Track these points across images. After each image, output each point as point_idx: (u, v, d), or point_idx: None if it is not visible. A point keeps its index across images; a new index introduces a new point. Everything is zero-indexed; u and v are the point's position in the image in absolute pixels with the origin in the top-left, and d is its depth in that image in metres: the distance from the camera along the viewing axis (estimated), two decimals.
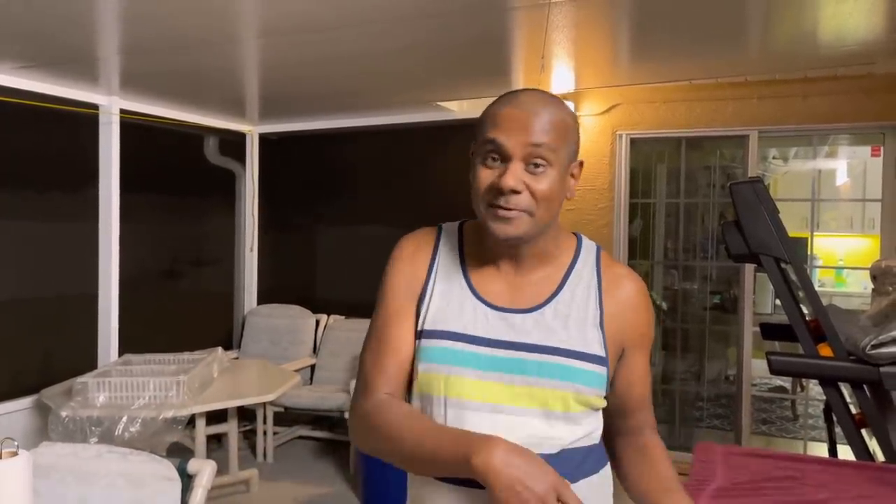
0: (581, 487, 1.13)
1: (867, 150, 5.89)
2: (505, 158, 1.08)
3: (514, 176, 1.06)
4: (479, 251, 1.21)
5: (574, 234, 1.25)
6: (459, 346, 1.13)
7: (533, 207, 1.08)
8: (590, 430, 1.16)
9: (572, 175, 1.15)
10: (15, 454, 1.05)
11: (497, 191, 1.07)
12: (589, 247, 1.23)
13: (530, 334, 1.13)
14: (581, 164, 1.17)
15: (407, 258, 1.22)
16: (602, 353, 1.14)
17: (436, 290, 1.18)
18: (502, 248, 1.17)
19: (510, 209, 1.07)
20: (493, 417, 1.10)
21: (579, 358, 1.12)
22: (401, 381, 1.18)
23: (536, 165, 1.07)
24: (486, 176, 1.10)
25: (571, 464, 1.13)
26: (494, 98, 1.18)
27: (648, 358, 1.24)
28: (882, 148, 4.11)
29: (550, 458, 1.09)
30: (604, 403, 1.17)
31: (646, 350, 1.23)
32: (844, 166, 6.59)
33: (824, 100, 3.93)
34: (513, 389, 1.11)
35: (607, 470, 1.22)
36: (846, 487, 1.80)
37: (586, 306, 1.16)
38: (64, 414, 3.09)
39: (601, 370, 1.13)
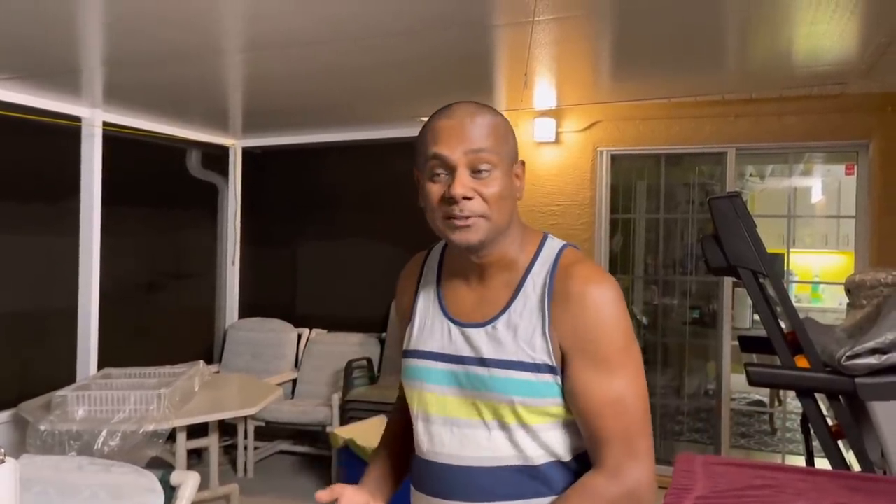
0: None
1: (841, 168, 6.01)
2: (450, 169, 1.10)
3: (463, 183, 1.08)
4: (452, 267, 1.25)
5: (543, 233, 1.22)
6: (425, 363, 1.21)
7: (487, 211, 1.10)
8: (556, 443, 1.14)
9: (516, 175, 1.17)
10: (2, 461, 1.05)
11: (449, 200, 1.09)
12: (551, 247, 1.18)
13: (481, 349, 1.15)
14: (523, 163, 1.18)
15: (399, 291, 1.33)
16: (549, 360, 1.10)
17: (417, 310, 1.26)
18: (468, 260, 1.18)
19: (466, 216, 1.09)
20: (452, 430, 1.16)
21: (524, 369, 1.10)
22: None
23: (481, 171, 1.09)
24: (435, 190, 1.11)
25: (545, 477, 1.13)
26: None
27: (605, 374, 1.08)
28: (855, 166, 4.21)
29: (511, 470, 1.13)
30: (561, 412, 1.13)
31: (591, 360, 1.08)
32: (819, 184, 6.71)
33: (799, 118, 4.02)
34: (467, 403, 1.16)
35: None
36: (823, 495, 1.83)
37: (533, 315, 1.13)
38: (42, 428, 3.05)
39: (549, 378, 1.10)
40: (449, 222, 1.10)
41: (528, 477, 1.13)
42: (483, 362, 1.13)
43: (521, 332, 1.12)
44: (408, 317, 1.27)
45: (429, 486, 1.18)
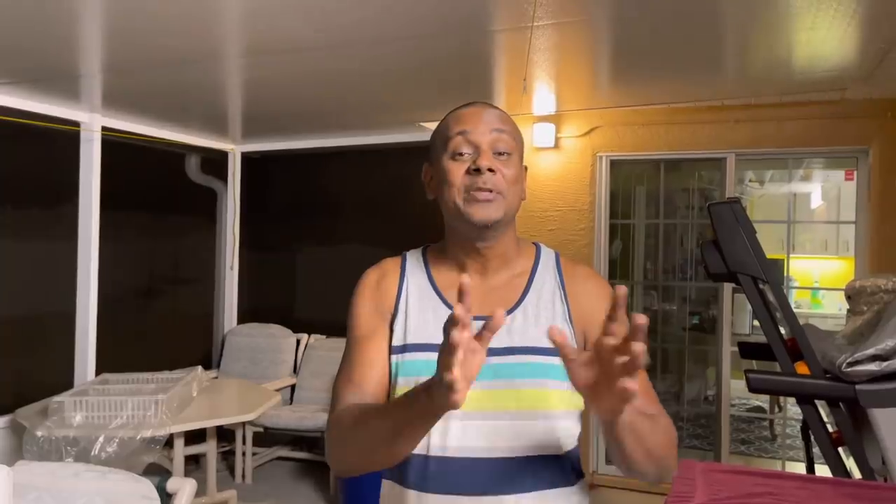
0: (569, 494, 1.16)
1: (841, 173, 6.02)
2: (475, 147, 1.16)
3: (488, 158, 1.15)
4: (445, 267, 1.25)
5: (533, 243, 1.31)
6: (434, 357, 1.15)
7: (505, 189, 1.16)
8: (575, 432, 1.18)
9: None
10: None
11: (475, 172, 1.14)
12: (548, 252, 1.30)
13: (503, 338, 1.15)
14: (526, 168, 1.25)
15: (372, 285, 1.26)
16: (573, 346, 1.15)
17: (409, 308, 1.22)
18: (469, 252, 1.21)
19: (489, 191, 1.14)
20: (476, 424, 1.13)
21: (553, 354, 1.12)
22: (372, 393, 1.17)
23: (501, 153, 1.17)
24: (459, 167, 1.17)
25: (567, 464, 1.17)
26: None
27: None
28: (855, 172, 4.21)
29: (540, 460, 1.13)
30: (580, 402, 1.17)
31: None
32: (819, 189, 6.72)
33: (799, 124, 4.02)
34: (495, 394, 1.13)
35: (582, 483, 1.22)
36: None
37: (553, 305, 1.21)
38: (39, 433, 3.03)
39: None
40: (470, 195, 1.15)
41: (553, 465, 1.15)
42: (511, 350, 1.15)
43: (542, 321, 1.18)
44: (388, 313, 1.23)
45: (445, 484, 1.13)
